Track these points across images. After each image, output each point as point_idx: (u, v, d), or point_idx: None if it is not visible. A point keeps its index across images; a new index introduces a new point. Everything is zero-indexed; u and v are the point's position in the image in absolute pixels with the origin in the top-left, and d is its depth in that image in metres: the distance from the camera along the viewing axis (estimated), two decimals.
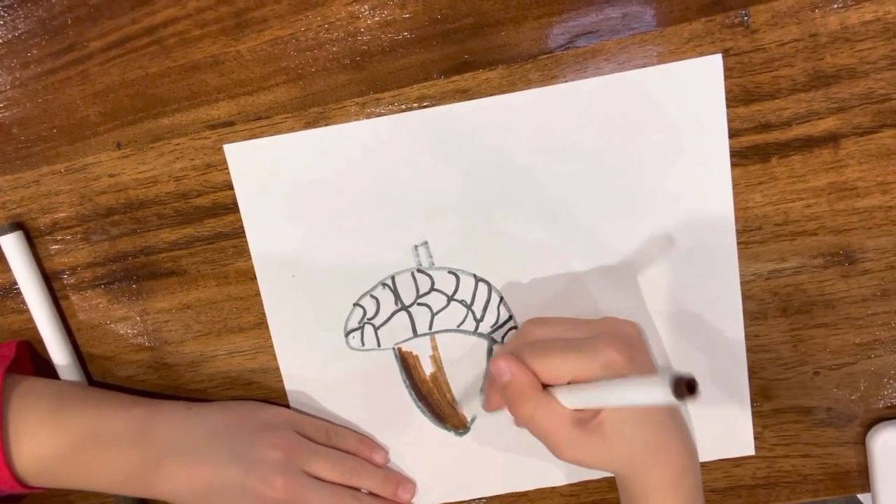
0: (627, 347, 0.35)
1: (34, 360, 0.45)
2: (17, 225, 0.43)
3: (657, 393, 0.30)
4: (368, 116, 0.41)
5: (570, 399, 0.36)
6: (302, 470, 0.41)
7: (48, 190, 0.43)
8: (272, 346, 0.44)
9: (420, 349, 0.44)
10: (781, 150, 0.40)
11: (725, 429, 0.44)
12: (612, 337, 0.36)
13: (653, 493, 0.36)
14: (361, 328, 0.44)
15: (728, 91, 0.39)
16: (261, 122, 0.41)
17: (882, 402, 0.43)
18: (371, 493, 0.44)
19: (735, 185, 0.41)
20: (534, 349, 0.36)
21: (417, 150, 0.41)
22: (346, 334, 0.44)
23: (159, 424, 0.41)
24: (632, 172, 0.41)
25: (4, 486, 0.39)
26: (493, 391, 0.40)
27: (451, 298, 0.43)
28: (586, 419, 0.35)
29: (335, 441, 0.44)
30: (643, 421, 0.36)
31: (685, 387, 0.28)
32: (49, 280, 0.44)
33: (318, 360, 0.44)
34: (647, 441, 0.36)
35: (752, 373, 0.43)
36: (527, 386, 0.36)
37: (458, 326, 0.43)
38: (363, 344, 0.44)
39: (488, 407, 0.42)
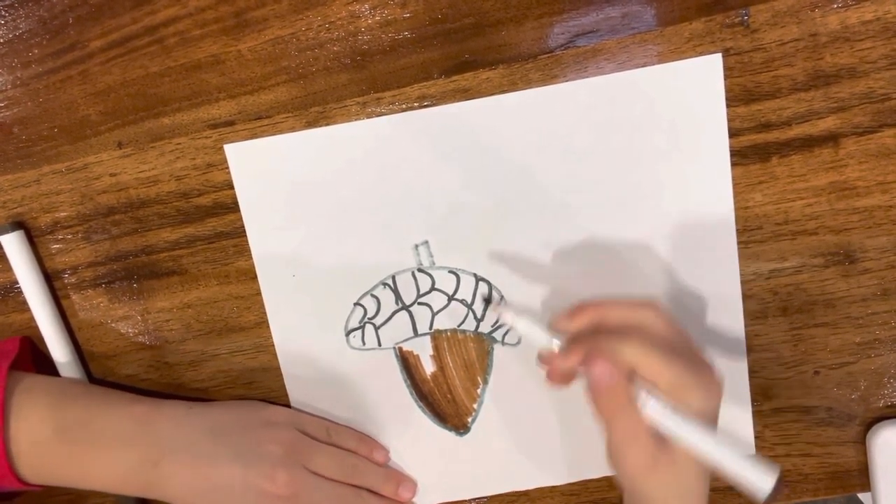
0: (719, 396, 0.36)
1: (35, 358, 0.45)
2: (18, 224, 0.43)
3: (756, 478, 0.32)
4: (369, 116, 0.41)
5: (663, 419, 0.34)
6: (304, 466, 0.41)
7: (49, 189, 0.43)
8: (273, 346, 0.44)
9: (420, 349, 0.44)
10: (781, 149, 0.40)
11: (726, 428, 0.44)
12: (717, 376, 0.36)
13: None
14: (362, 328, 0.44)
15: (728, 90, 0.39)
16: (261, 122, 0.41)
17: (882, 401, 0.43)
18: (372, 492, 0.44)
19: (735, 184, 0.41)
20: (654, 352, 0.35)
21: (418, 149, 0.41)
22: (347, 334, 0.44)
23: (160, 423, 0.41)
24: (632, 172, 0.41)
25: (4, 482, 0.39)
26: (561, 369, 0.37)
27: (451, 298, 0.43)
28: (663, 438, 0.35)
29: (336, 439, 0.44)
30: (703, 471, 0.35)
31: (779, 490, 0.32)
32: (50, 279, 0.44)
33: (319, 359, 0.44)
34: (692, 489, 0.35)
35: (753, 372, 0.43)
36: (621, 393, 0.35)
37: (459, 326, 0.43)
38: (364, 343, 0.44)
39: (553, 381, 0.38)
